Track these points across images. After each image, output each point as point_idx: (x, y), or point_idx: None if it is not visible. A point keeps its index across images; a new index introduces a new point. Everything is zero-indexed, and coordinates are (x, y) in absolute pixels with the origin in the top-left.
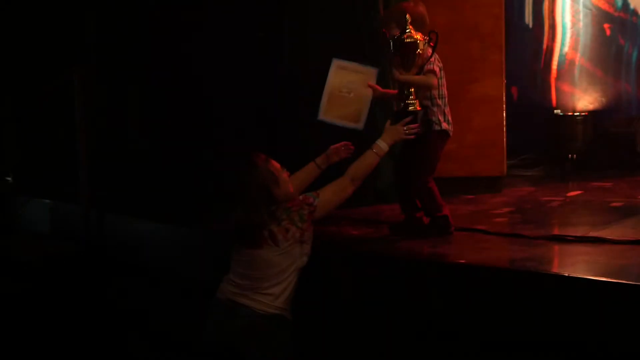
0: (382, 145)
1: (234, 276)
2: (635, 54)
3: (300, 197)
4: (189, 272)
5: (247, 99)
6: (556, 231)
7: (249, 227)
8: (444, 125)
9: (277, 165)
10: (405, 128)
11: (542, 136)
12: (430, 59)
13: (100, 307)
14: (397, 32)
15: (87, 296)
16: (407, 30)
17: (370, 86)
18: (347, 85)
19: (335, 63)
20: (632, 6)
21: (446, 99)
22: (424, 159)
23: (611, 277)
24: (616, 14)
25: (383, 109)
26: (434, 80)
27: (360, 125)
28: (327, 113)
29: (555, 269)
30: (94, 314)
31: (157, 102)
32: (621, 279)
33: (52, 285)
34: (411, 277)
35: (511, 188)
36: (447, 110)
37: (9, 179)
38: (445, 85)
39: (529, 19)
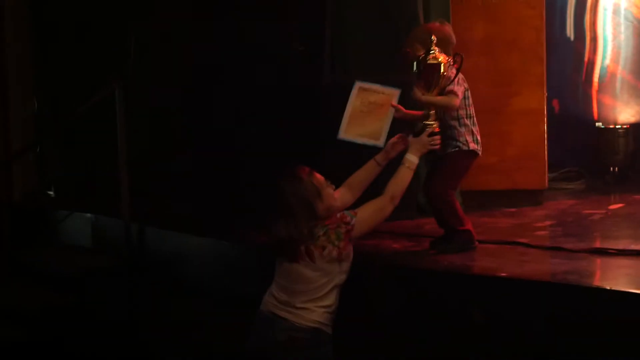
0: (411, 158)
1: (275, 289)
2: None
3: (339, 215)
4: (230, 285)
5: (287, 110)
6: (598, 244)
7: (288, 241)
8: (472, 146)
9: (321, 178)
10: (430, 139)
11: (584, 149)
12: (454, 80)
13: (143, 320)
14: (421, 53)
15: (130, 309)
16: (432, 51)
17: (393, 106)
18: (369, 106)
19: (358, 85)
20: None
21: (474, 119)
22: (447, 175)
23: None
24: None
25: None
26: (455, 101)
27: (380, 143)
28: (347, 132)
29: (597, 282)
30: (137, 327)
31: (198, 115)
32: None
33: (94, 298)
34: (452, 290)
35: (552, 201)
36: (475, 129)
37: (51, 192)
38: (472, 105)
39: (570, 31)
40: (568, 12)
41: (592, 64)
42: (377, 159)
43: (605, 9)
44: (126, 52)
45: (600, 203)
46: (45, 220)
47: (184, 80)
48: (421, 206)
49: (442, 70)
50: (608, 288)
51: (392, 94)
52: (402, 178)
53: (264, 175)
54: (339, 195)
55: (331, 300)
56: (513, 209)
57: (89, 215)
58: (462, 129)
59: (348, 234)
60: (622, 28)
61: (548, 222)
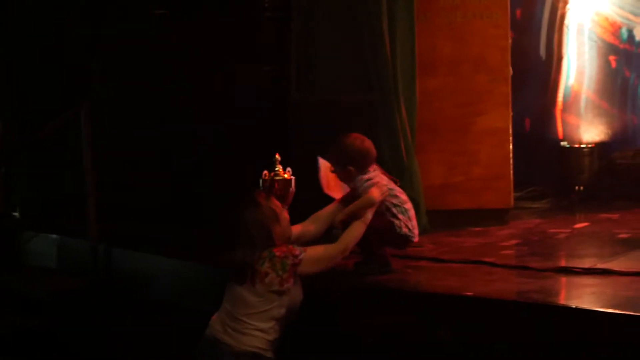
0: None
1: (221, 313)
2: None
3: (288, 247)
4: (198, 304)
5: (255, 129)
6: (563, 263)
7: (242, 265)
8: (404, 231)
9: (278, 203)
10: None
11: (549, 168)
12: (363, 177)
13: (109, 342)
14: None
15: (96, 331)
16: (277, 169)
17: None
18: None
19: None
20: (637, 38)
21: (409, 212)
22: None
23: (618, 309)
24: (622, 46)
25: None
26: (375, 194)
27: None
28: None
29: (563, 300)
30: (103, 348)
31: (165, 135)
32: (628, 311)
33: (61, 320)
34: (418, 310)
35: (518, 220)
36: (407, 220)
37: (16, 214)
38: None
39: (542, 51)
40: (542, 32)
41: (556, 83)
42: (344, 198)
43: (569, 29)
44: (92, 72)
45: (565, 222)
46: (11, 241)
47: (150, 100)
48: None
49: (292, 186)
50: (574, 307)
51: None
52: (356, 232)
53: (230, 195)
54: (302, 227)
55: (271, 329)
56: (479, 228)
57: (54, 236)
58: (398, 222)
59: (294, 267)
60: (586, 48)
61: (514, 241)
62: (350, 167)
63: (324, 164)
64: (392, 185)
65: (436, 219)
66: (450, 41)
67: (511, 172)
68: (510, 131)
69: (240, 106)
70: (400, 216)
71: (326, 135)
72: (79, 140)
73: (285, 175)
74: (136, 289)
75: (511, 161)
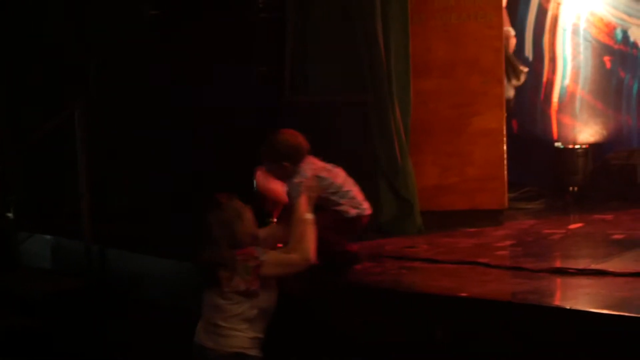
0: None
1: (202, 319)
2: (635, 87)
3: (250, 249)
4: (192, 306)
5: (248, 131)
6: (558, 264)
7: (210, 267)
8: (352, 212)
9: (241, 203)
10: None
11: (543, 169)
12: (294, 181)
13: (103, 341)
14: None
15: (91, 331)
16: None
17: None
18: None
19: None
20: (632, 39)
21: (351, 192)
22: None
23: (613, 310)
24: (616, 46)
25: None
26: (302, 206)
27: None
28: None
29: (557, 301)
30: (98, 349)
31: (160, 137)
32: (622, 312)
33: (56, 321)
34: (413, 310)
35: (512, 221)
36: (350, 200)
37: (10, 214)
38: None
39: (529, 52)
40: (526, 33)
41: (551, 84)
42: (281, 216)
43: (564, 30)
44: (88, 72)
45: (560, 223)
46: (5, 242)
47: (145, 102)
48: (381, 227)
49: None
50: (568, 307)
51: None
52: (308, 235)
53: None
54: (272, 228)
55: (247, 329)
56: (473, 229)
57: (49, 237)
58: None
59: (257, 270)
60: (582, 48)
61: (508, 242)
62: (285, 162)
63: (259, 175)
64: (324, 173)
65: (431, 220)
66: (445, 42)
67: (505, 172)
68: (505, 132)
69: (235, 107)
70: (342, 201)
71: (320, 136)
72: (74, 140)
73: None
74: (131, 289)
75: (505, 162)
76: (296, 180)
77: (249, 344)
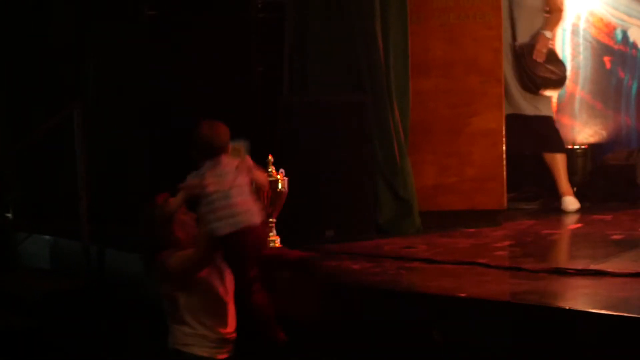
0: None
1: None
2: (635, 87)
3: (163, 253)
4: None
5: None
6: (557, 264)
7: (145, 264)
8: (227, 230)
9: (174, 205)
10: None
11: (542, 169)
12: None
13: (101, 342)
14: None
15: (89, 331)
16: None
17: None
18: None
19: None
20: (631, 39)
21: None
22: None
23: (612, 310)
24: (616, 47)
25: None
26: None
27: None
28: None
29: (556, 302)
30: (95, 349)
31: (158, 137)
32: (622, 312)
33: (54, 321)
34: (411, 311)
35: (511, 221)
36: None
37: (9, 215)
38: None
39: None
40: None
41: None
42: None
43: (564, 30)
44: (86, 73)
45: (558, 223)
46: (4, 242)
47: (142, 103)
48: (379, 227)
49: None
50: (567, 308)
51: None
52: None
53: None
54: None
55: (186, 326)
56: (472, 230)
57: (47, 237)
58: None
59: (168, 271)
60: (581, 48)
61: (507, 242)
62: (193, 151)
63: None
64: (212, 187)
65: (429, 220)
66: (444, 42)
67: (504, 173)
68: (504, 132)
69: (234, 107)
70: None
71: (319, 136)
72: (72, 140)
73: (279, 177)
74: (129, 290)
75: (504, 162)
76: (191, 175)
77: (187, 341)
